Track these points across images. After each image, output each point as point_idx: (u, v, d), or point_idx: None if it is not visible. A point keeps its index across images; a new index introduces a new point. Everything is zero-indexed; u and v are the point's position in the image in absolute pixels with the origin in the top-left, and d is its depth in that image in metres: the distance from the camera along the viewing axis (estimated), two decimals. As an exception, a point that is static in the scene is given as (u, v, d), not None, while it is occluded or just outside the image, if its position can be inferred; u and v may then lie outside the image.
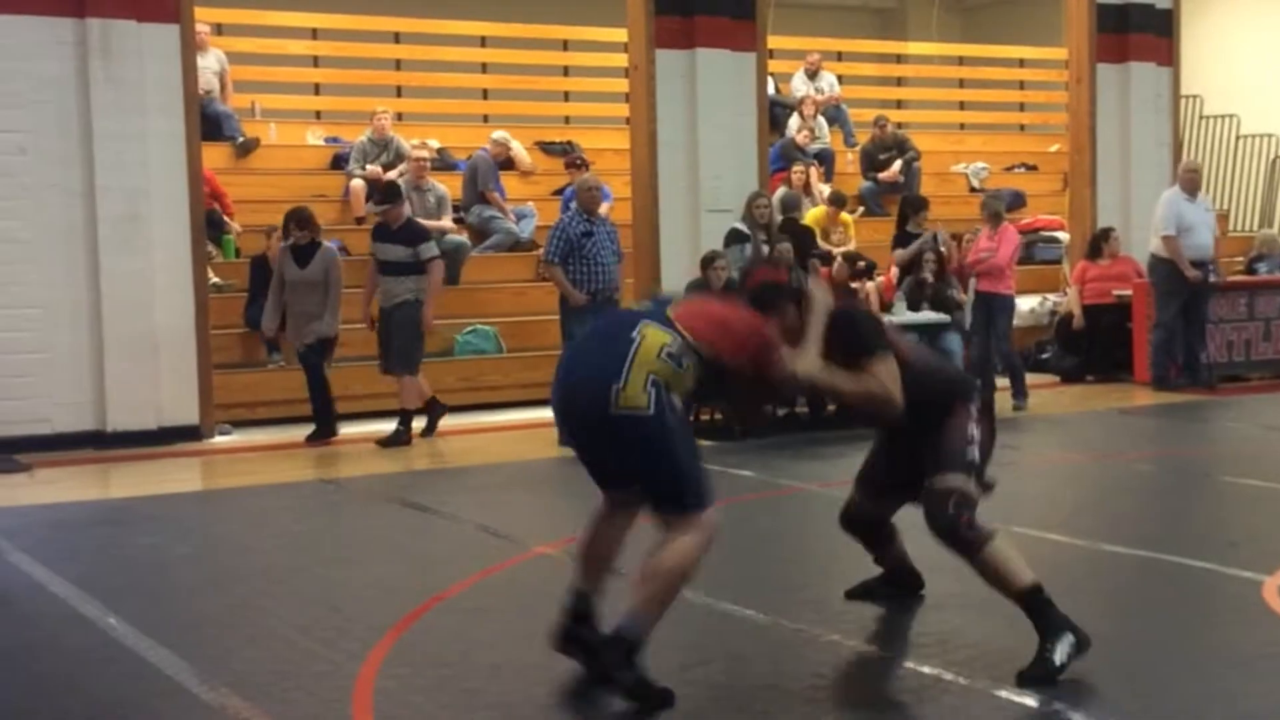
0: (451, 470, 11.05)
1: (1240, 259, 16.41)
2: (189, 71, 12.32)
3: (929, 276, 13.12)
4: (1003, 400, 13.01)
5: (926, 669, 5.49)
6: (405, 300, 11.80)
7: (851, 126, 19.37)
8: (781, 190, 15.77)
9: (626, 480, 5.24)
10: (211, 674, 5.58)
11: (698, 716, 5.09)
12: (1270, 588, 6.59)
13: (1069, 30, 16.90)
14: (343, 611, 6.57)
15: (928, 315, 12.76)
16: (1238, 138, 19.99)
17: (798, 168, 16.73)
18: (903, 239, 13.69)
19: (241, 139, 16.29)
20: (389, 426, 11.88)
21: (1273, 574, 6.81)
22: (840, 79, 20.04)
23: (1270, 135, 19.56)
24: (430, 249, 11.97)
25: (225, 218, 15.03)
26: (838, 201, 16.11)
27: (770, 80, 17.09)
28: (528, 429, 12.53)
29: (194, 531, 8.81)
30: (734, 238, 12.95)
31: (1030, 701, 5.05)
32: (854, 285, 13.57)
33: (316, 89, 18.71)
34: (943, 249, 13.39)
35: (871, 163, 18.18)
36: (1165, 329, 14.30)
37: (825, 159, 18.05)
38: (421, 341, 12.12)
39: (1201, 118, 20.20)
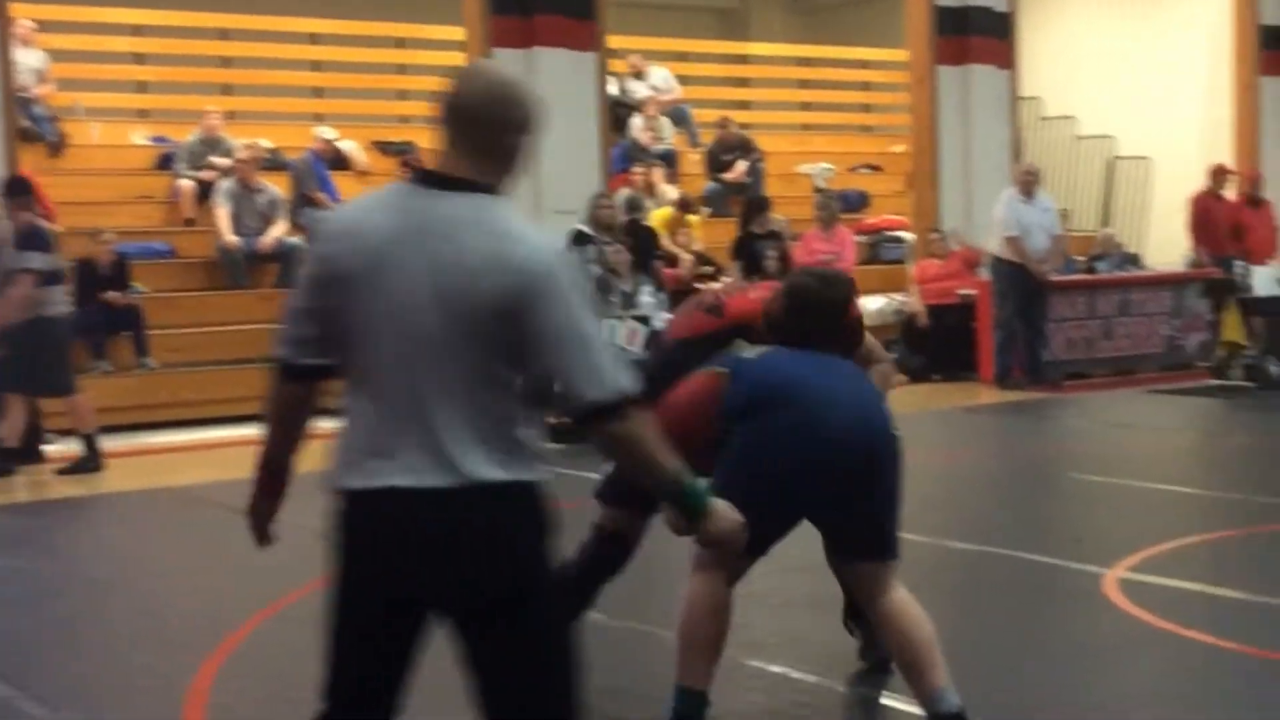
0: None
1: (1081, 258, 16.65)
2: (6, 68, 11.90)
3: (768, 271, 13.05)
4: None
5: (775, 668, 5.41)
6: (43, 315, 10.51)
7: (696, 127, 19.34)
8: (626, 191, 15.66)
9: (866, 525, 4.63)
10: (38, 691, 5.35)
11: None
12: (1111, 581, 6.63)
13: (909, 33, 17.05)
14: (173, 624, 6.35)
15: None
16: (1076, 139, 20.31)
17: (640, 168, 16.63)
18: (746, 240, 13.65)
19: (52, 139, 15.76)
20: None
21: (1114, 567, 6.85)
22: (683, 79, 19.99)
23: (1108, 136, 19.89)
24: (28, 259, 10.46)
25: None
26: (683, 204, 16.05)
27: (612, 80, 16.98)
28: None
29: (10, 546, 8.47)
30: (577, 239, 12.80)
31: (892, 701, 4.97)
32: (699, 286, 13.50)
33: (141, 87, 18.24)
34: (787, 246, 13.38)
35: (716, 164, 18.15)
36: (1006, 328, 14.44)
37: (669, 160, 17.98)
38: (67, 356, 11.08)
39: (1041, 119, 20.48)
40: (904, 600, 4.58)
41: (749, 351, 4.64)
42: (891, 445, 4.59)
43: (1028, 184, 14.62)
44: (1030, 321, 14.47)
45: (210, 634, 6.03)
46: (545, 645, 3.10)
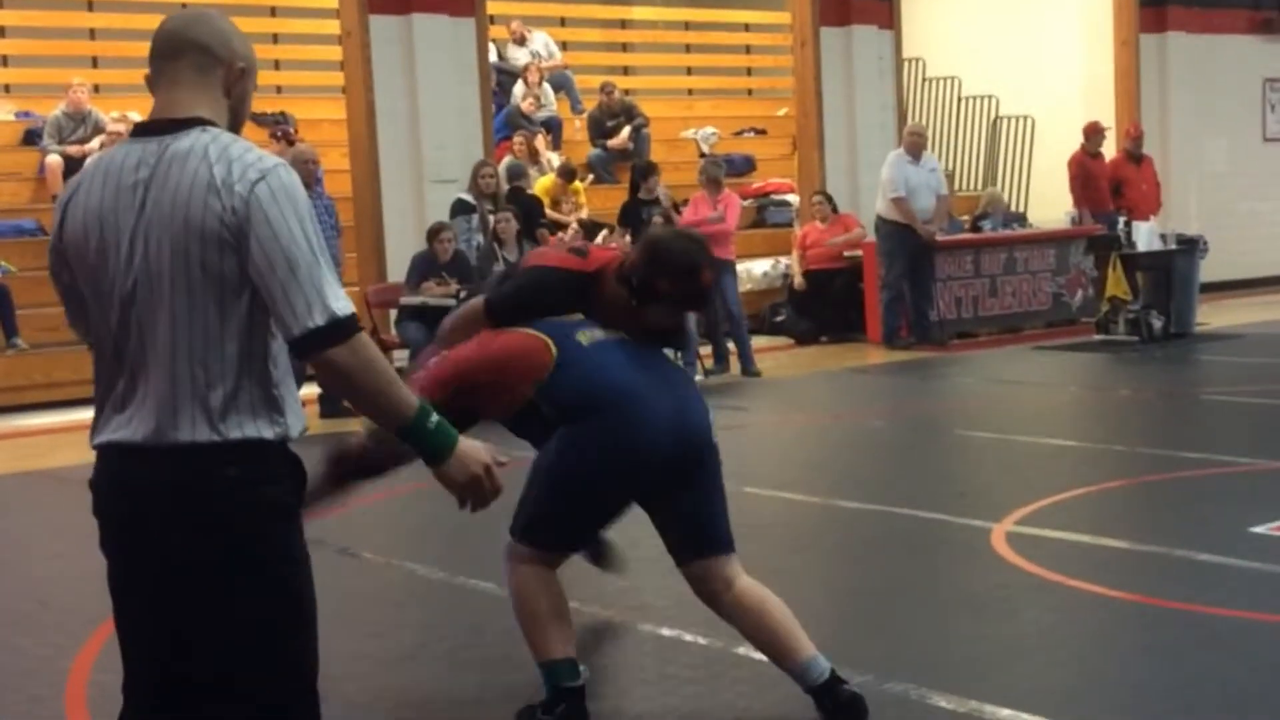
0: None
1: (966, 218, 16.71)
2: None
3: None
4: (734, 365, 13.03)
5: (666, 631, 5.34)
6: None
7: (578, 94, 19.18)
8: (507, 159, 15.50)
9: (687, 525, 4.60)
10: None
11: (438, 689, 4.86)
12: (998, 534, 6.64)
13: (791, -5, 16.98)
14: (52, 606, 6.19)
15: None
16: (960, 99, 20.38)
17: (522, 136, 16.46)
18: (633, 206, 13.53)
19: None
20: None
21: (1001, 521, 6.85)
22: (564, 45, 19.82)
23: (991, 96, 19.95)
24: None
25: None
26: (566, 172, 15.92)
27: (493, 46, 16.78)
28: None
29: None
30: (460, 208, 12.64)
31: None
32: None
33: (4, 61, 17.75)
34: (673, 214, 13.27)
35: (600, 130, 18.03)
36: (893, 288, 14.46)
37: (553, 127, 17.83)
38: None
39: (925, 80, 20.52)
40: (749, 588, 4.55)
41: (584, 335, 4.55)
42: (710, 452, 4.58)
43: (915, 145, 14.63)
44: (917, 282, 14.50)
45: (91, 616, 5.85)
46: (244, 616, 2.90)
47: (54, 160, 14.82)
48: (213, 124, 2.95)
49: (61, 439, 11.07)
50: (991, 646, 5.15)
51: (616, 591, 5.89)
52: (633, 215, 13.39)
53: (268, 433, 2.90)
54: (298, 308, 2.80)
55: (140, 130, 3.00)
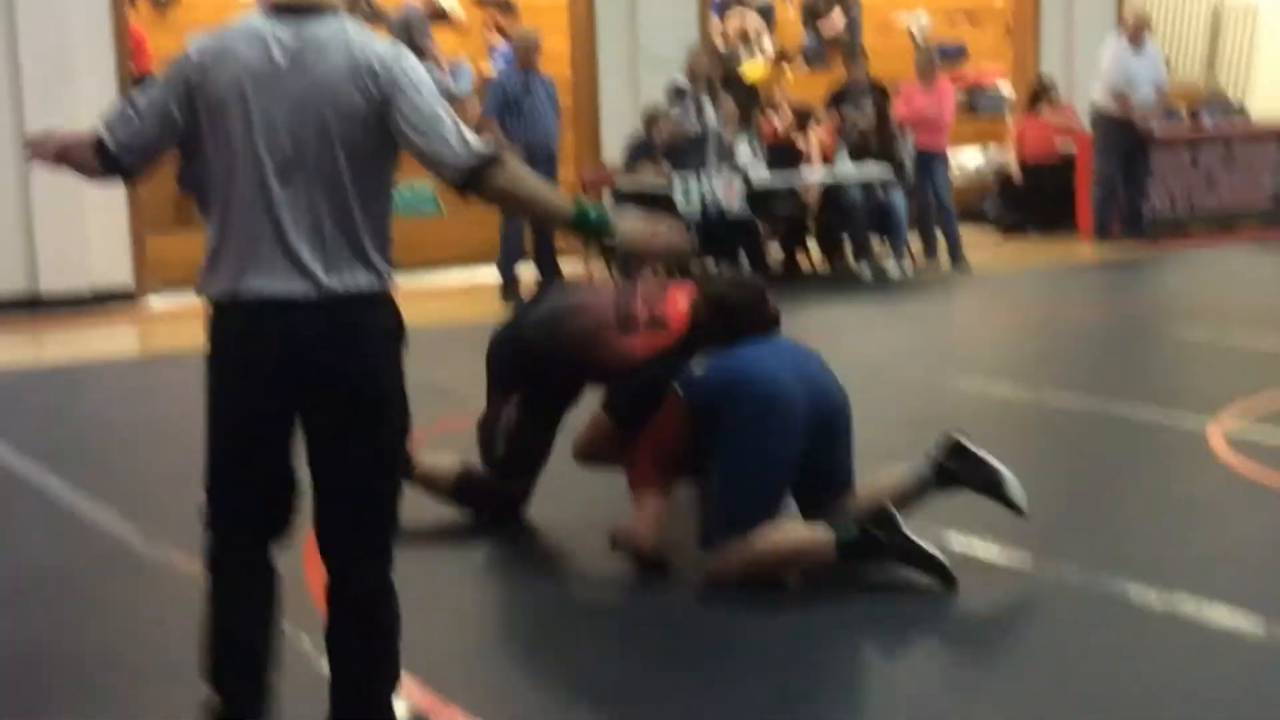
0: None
1: (1184, 110, 16.33)
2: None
3: (859, 124, 12.89)
4: (943, 257, 13.04)
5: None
6: None
7: (792, -24, 19.04)
8: (722, 43, 15.53)
9: (827, 478, 5.02)
10: (156, 534, 5.51)
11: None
12: (1215, 434, 6.63)
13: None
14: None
15: (871, 170, 12.60)
16: (1181, -15, 19.83)
17: (735, 15, 16.43)
18: (842, 93, 13.51)
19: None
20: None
21: (1217, 420, 6.85)
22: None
23: (1213, -15, 19.42)
24: None
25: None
26: (781, 57, 15.91)
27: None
28: (469, 291, 12.37)
29: (133, 396, 8.68)
30: (675, 92, 12.74)
31: (995, 554, 5.04)
32: (796, 136, 13.41)
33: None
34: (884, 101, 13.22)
35: (812, 14, 17.92)
36: (1106, 182, 14.25)
37: (767, 13, 17.78)
38: None
39: (1144, -36, 20.01)
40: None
41: (697, 367, 4.98)
42: (842, 401, 4.99)
43: (1136, 33, 14.30)
44: (1131, 175, 14.26)
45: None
46: (383, 450, 3.43)
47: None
48: (336, 8, 3.36)
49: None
50: (1206, 549, 5.20)
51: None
52: (841, 101, 13.38)
53: (387, 283, 3.40)
54: (458, 150, 3.30)
55: (278, 9, 3.34)
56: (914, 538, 4.66)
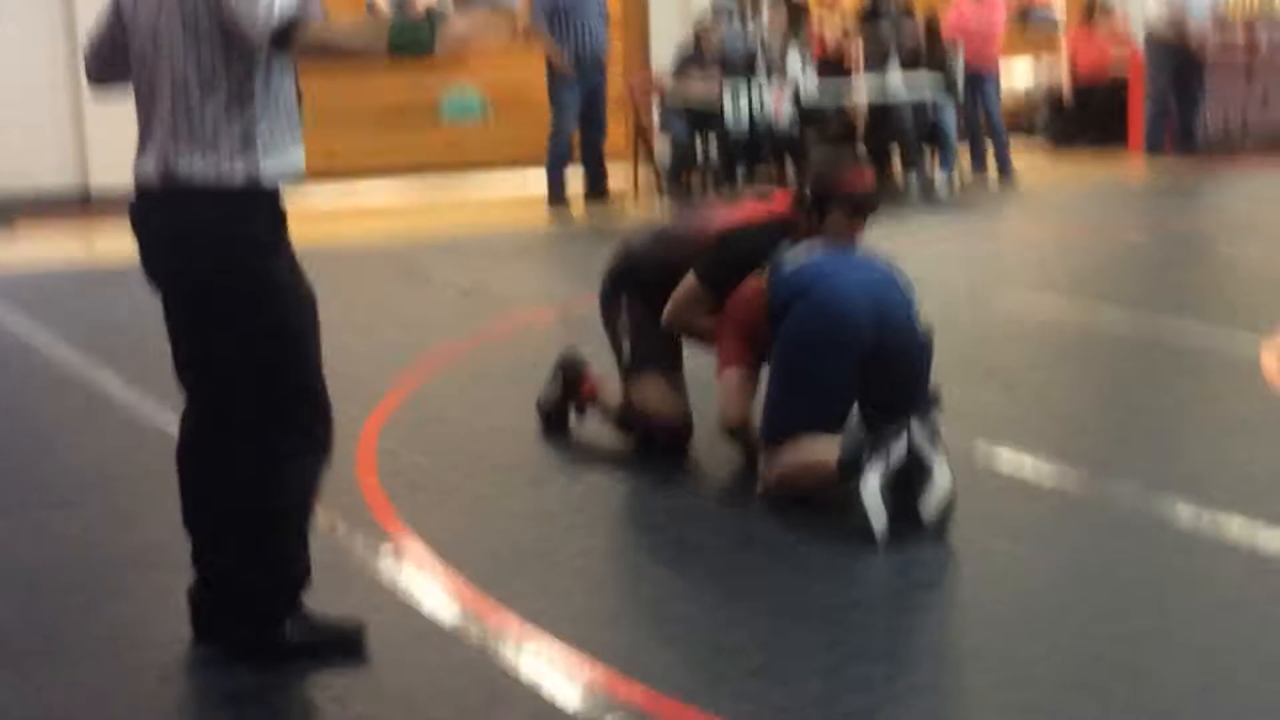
0: (441, 238, 10.94)
1: (1239, 26, 16.07)
2: None
3: (893, 41, 12.72)
4: (992, 172, 12.95)
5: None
6: None
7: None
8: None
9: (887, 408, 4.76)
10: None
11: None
12: (1266, 354, 6.58)
13: None
14: (342, 375, 6.52)
15: (922, 85, 12.46)
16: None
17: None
18: (874, 10, 13.32)
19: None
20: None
21: (1270, 339, 6.79)
22: None
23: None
24: None
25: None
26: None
27: None
28: (515, 200, 12.34)
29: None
30: (719, 13, 12.57)
31: (1043, 474, 5.03)
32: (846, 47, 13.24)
33: None
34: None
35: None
36: (1159, 101, 14.08)
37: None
38: None
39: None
40: None
41: (788, 258, 4.94)
42: (911, 336, 4.82)
43: (1193, -50, 14.06)
44: (1185, 93, 14.08)
45: (378, 389, 6.20)
46: (214, 359, 3.54)
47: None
48: None
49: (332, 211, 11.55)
50: (1258, 470, 5.14)
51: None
52: (872, 17, 13.22)
53: (239, 177, 3.39)
54: (257, 12, 3.24)
55: None
56: (924, 450, 4.48)
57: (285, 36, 3.26)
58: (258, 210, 3.46)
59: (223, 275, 3.45)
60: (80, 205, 11.44)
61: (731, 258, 5.09)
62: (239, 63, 3.37)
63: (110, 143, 11.38)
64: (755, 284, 4.99)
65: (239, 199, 3.42)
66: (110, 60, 3.62)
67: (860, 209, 5.10)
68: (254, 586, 3.63)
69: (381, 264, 9.40)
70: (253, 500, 3.58)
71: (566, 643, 3.73)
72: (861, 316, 4.71)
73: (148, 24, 3.42)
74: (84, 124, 11.43)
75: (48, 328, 7.51)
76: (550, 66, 11.57)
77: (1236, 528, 4.51)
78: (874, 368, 4.73)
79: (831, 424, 4.75)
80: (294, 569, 3.66)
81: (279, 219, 3.54)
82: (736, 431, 5.08)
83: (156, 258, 3.54)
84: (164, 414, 5.82)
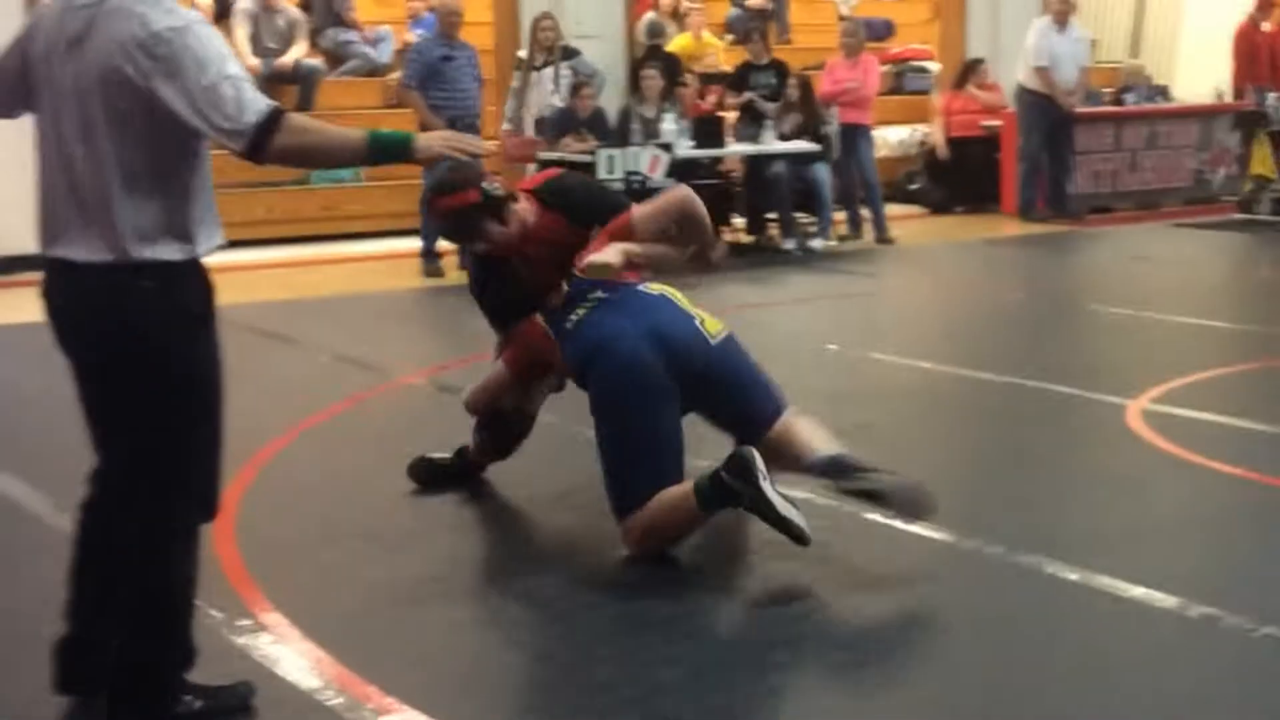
0: (311, 301, 10.80)
1: (1108, 90, 16.41)
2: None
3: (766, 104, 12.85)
4: (867, 232, 13.05)
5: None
6: None
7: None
8: (648, 15, 15.43)
9: (734, 414, 4.94)
10: (67, 503, 5.38)
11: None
12: (1133, 411, 6.64)
13: None
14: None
15: (799, 145, 12.56)
16: (1106, -33, 19.91)
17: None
18: (744, 70, 13.46)
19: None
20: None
21: (1136, 399, 6.85)
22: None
23: (1138, -34, 19.51)
24: None
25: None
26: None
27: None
28: (389, 259, 12.26)
29: (46, 363, 8.49)
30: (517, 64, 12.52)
31: (920, 530, 4.99)
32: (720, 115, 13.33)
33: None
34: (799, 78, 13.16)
35: (740, -13, 17.82)
36: (1030, 159, 14.28)
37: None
38: None
39: (1071, -54, 20.03)
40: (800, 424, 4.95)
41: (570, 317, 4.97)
42: (710, 350, 4.87)
43: (1063, 14, 14.32)
44: (1055, 154, 14.30)
45: (239, 453, 6.05)
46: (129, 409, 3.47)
47: (204, 3, 14.94)
48: None
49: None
50: (1124, 522, 5.17)
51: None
52: (739, 81, 13.36)
53: (178, 255, 3.40)
54: (231, 115, 3.25)
55: None
56: (769, 492, 4.45)
57: (266, 139, 3.29)
58: (192, 285, 3.47)
59: (161, 347, 3.42)
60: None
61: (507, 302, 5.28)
62: (175, 158, 3.37)
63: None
64: (539, 333, 5.06)
65: (177, 275, 3.41)
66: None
67: (463, 237, 5.43)
68: (156, 655, 3.55)
69: (243, 325, 9.26)
70: (158, 568, 3.54)
71: (426, 712, 3.66)
72: (648, 355, 4.70)
73: (66, 100, 3.34)
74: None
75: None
76: (423, 129, 11.49)
77: (1103, 580, 4.52)
78: (700, 391, 4.78)
79: (675, 473, 4.71)
80: (190, 639, 3.62)
81: (210, 292, 3.55)
82: (468, 407, 5.42)
83: (88, 330, 3.46)
84: (16, 486, 5.67)
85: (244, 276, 11.35)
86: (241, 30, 14.14)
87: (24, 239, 11.38)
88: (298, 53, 14.25)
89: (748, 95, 13.15)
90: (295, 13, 14.60)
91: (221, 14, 14.62)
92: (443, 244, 11.44)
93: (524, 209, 5.21)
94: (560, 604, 4.50)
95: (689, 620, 4.31)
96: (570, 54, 12.51)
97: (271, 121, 3.29)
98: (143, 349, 3.40)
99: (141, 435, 3.47)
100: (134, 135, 3.32)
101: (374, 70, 15.36)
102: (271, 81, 13.97)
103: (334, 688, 3.84)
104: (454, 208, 5.13)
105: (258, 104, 3.29)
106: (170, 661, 3.57)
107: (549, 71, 12.34)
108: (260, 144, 3.29)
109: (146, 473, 3.49)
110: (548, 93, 12.33)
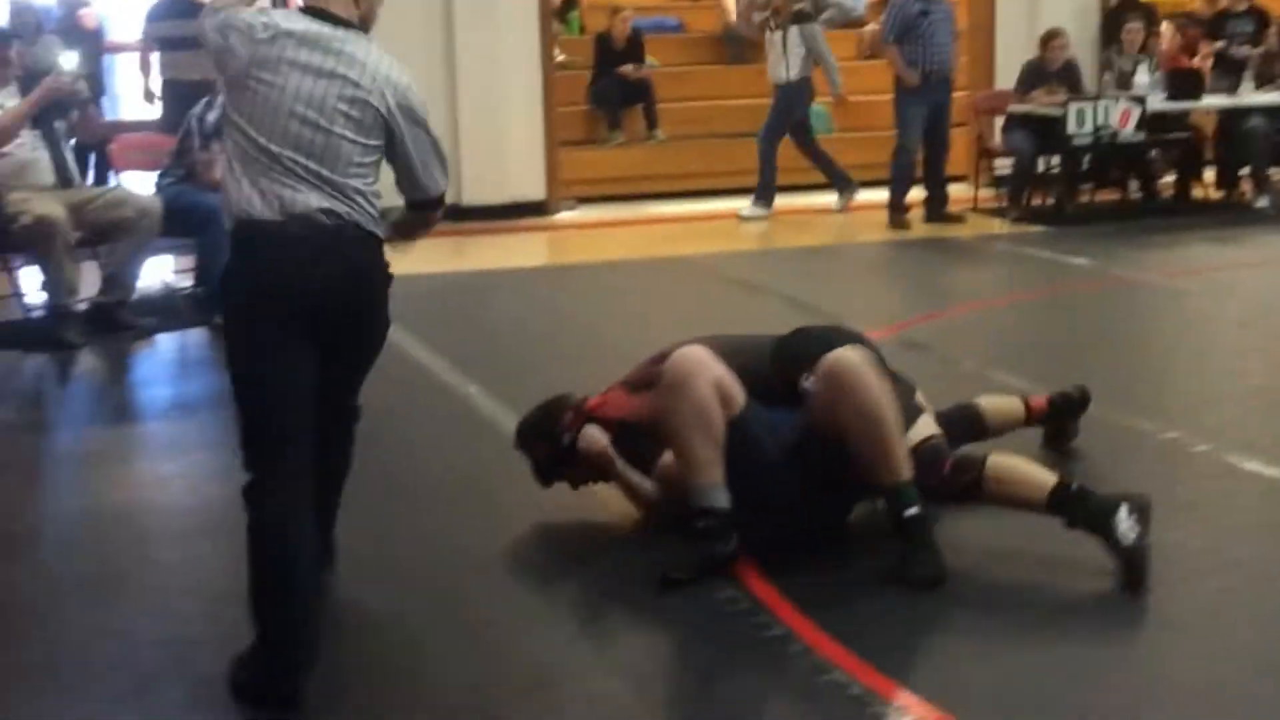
0: (781, 251, 11.28)
1: None
2: None
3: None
4: None
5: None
6: None
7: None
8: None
9: None
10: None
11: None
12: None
13: None
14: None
15: (1274, 97, 12.24)
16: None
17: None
18: (1219, 17, 13.09)
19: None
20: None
21: None
22: None
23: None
24: None
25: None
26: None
27: None
28: (861, 210, 12.60)
29: (545, 305, 9.21)
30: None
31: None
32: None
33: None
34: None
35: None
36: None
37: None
38: None
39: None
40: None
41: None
42: None
43: None
44: None
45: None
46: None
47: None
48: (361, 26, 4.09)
49: (690, 228, 12.04)
50: None
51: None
52: (1215, 28, 12.95)
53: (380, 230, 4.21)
54: (433, 178, 4.22)
55: (314, 13, 4.01)
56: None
57: (437, 203, 4.29)
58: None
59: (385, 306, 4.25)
60: (452, 219, 12.13)
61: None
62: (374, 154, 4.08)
63: (482, 161, 12.19)
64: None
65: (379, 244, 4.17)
66: None
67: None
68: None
69: (720, 274, 9.76)
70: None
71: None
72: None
73: (316, 99, 3.91)
74: (459, 145, 12.01)
75: (423, 336, 7.80)
76: (899, 83, 11.83)
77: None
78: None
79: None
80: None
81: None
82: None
83: (341, 289, 4.04)
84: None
85: (722, 225, 11.92)
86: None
87: (534, 186, 12.44)
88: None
89: (1220, 43, 12.91)
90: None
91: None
92: (910, 196, 11.81)
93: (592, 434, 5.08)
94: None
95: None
96: (802, 18, 12.57)
97: (441, 201, 4.42)
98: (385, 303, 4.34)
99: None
100: (358, 143, 4.07)
101: (850, 22, 15.70)
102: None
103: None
104: (531, 460, 5.22)
105: (444, 179, 4.35)
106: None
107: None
108: (427, 208, 4.49)
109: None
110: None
